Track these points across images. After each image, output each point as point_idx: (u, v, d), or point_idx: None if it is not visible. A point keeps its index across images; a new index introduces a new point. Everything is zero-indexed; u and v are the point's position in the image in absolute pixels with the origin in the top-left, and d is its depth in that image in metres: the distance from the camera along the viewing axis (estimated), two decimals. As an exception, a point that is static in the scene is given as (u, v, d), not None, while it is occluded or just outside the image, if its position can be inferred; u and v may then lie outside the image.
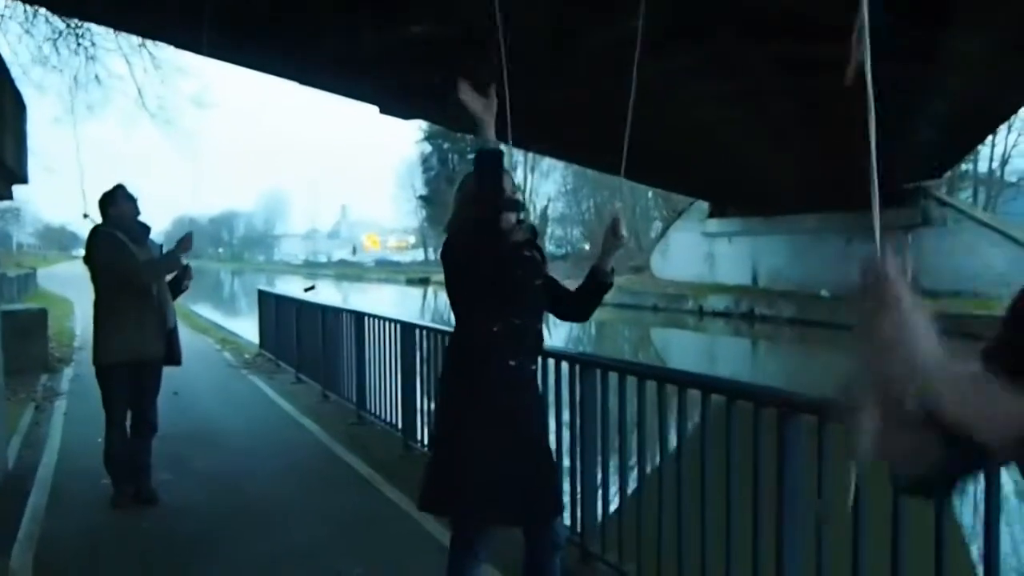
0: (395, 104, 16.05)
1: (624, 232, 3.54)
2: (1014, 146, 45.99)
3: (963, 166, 41.38)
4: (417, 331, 7.28)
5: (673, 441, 4.22)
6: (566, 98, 14.47)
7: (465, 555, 3.58)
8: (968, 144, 27.55)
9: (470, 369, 3.52)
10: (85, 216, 5.95)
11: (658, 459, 4.23)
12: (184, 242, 5.93)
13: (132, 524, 5.51)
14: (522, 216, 3.65)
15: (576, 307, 3.77)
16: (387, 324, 8.03)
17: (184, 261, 6.02)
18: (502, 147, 3.36)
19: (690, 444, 4.00)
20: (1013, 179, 46.65)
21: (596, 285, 3.67)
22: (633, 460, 4.59)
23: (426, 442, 7.09)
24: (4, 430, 7.15)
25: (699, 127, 18.57)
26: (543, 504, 3.54)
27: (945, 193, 32.89)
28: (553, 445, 4.28)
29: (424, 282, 64.78)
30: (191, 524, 5.54)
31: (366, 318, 8.61)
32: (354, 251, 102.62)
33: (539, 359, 3.82)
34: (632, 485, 4.68)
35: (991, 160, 46.55)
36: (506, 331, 3.46)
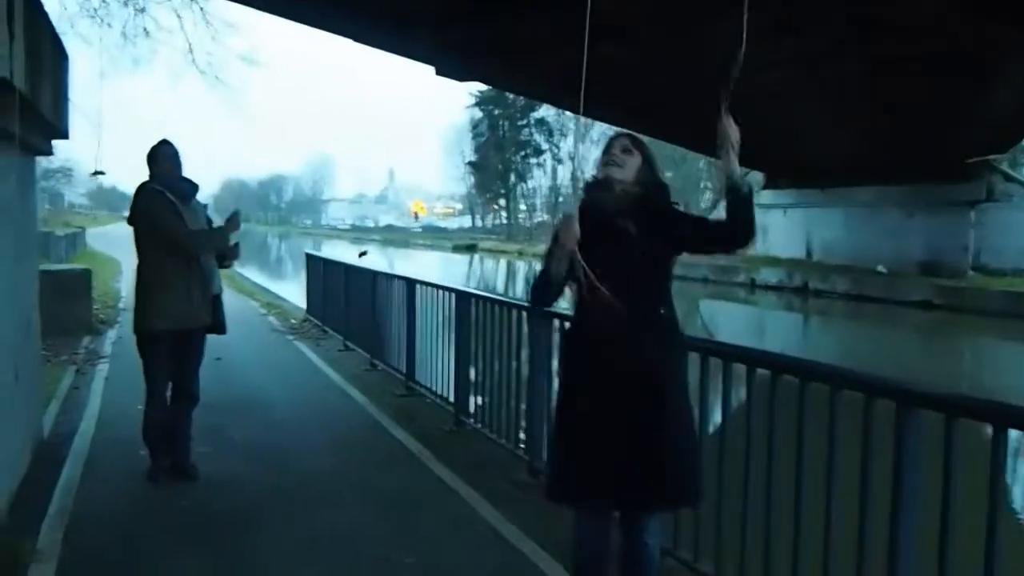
0: (452, 64, 15.60)
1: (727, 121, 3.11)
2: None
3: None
4: (472, 300, 6.88)
5: (757, 429, 3.78)
6: (624, 59, 13.92)
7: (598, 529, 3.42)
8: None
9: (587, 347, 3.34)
10: (95, 173, 5.59)
11: (742, 450, 3.79)
12: (233, 221, 5.61)
13: (168, 500, 5.19)
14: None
15: (726, 232, 3.24)
16: (441, 292, 7.65)
17: (232, 241, 5.70)
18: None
19: (783, 433, 3.56)
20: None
21: (731, 200, 3.18)
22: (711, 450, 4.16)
23: (478, 418, 6.74)
24: (41, 395, 6.89)
25: (759, 93, 17.94)
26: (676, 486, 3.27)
27: (1008, 167, 31.80)
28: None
29: (471, 248, 64.47)
30: (230, 501, 5.22)
31: (418, 285, 8.23)
32: (416, 217, 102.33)
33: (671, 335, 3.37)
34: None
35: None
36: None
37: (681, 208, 3.45)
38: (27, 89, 4.75)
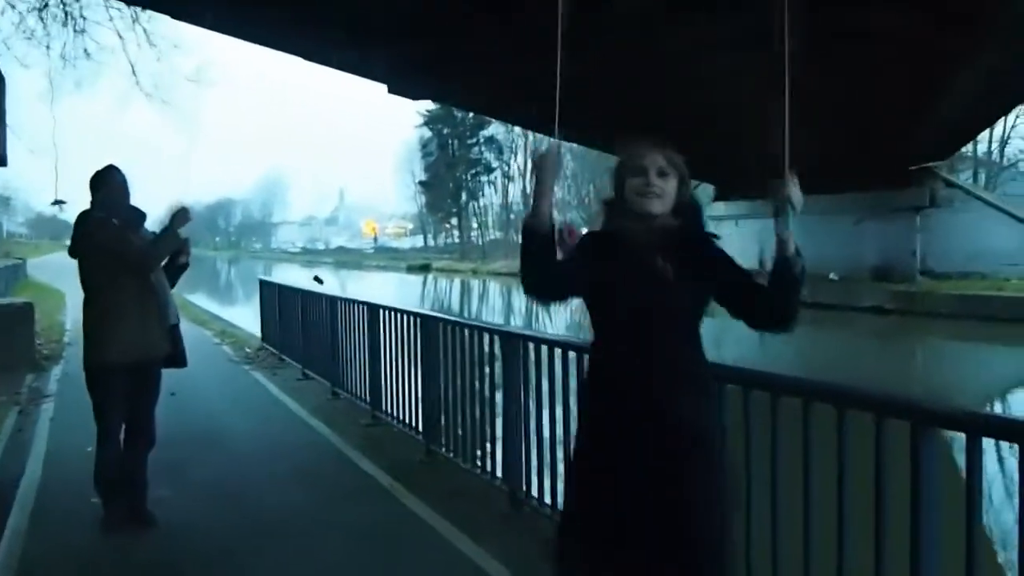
0: (405, 82, 15.37)
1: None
2: (1013, 127, 45.71)
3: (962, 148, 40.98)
4: (440, 325, 6.61)
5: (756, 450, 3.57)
6: (580, 73, 13.80)
7: None
8: (985, 122, 27.11)
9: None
10: (56, 203, 5.24)
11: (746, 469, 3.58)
12: (179, 215, 5.15)
13: (125, 550, 4.83)
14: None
15: (765, 308, 2.81)
16: (405, 317, 7.37)
17: (183, 236, 5.30)
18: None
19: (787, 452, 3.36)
20: (1012, 161, 46.32)
21: (780, 270, 2.73)
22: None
23: (449, 447, 6.46)
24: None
25: (712, 105, 17.97)
26: None
27: (946, 174, 32.40)
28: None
29: (425, 268, 64.13)
30: (192, 548, 4.88)
31: (381, 310, 7.94)
32: (375, 238, 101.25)
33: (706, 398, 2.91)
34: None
35: (990, 142, 46.21)
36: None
37: (719, 244, 2.94)
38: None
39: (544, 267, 2.75)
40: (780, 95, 2.91)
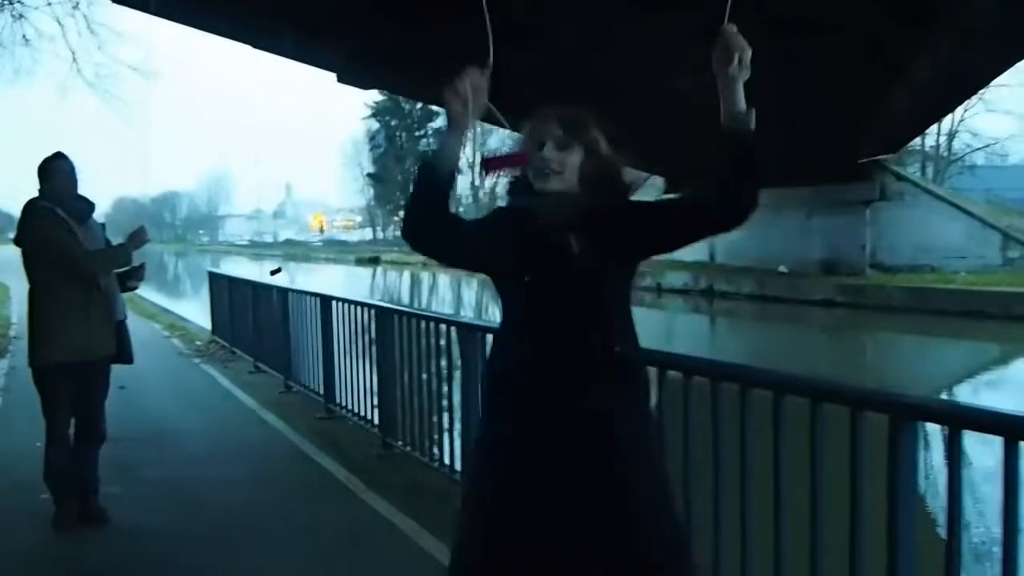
0: (355, 71, 15.19)
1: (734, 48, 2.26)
2: (961, 120, 46.41)
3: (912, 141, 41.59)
4: (395, 316, 6.54)
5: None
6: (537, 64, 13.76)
7: None
8: (936, 115, 27.42)
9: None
10: None
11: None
12: (137, 235, 5.10)
13: (77, 549, 4.73)
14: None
15: (725, 197, 2.39)
16: (358, 308, 7.30)
17: (136, 261, 5.22)
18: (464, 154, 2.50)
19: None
20: (959, 154, 47.10)
21: (731, 144, 2.34)
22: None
23: (407, 440, 6.39)
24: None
25: (658, 96, 18.00)
26: None
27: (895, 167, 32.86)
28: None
29: (374, 261, 63.65)
30: (145, 548, 4.77)
31: (334, 302, 7.86)
32: (321, 230, 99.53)
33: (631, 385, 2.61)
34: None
35: (938, 135, 46.93)
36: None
37: (634, 197, 2.65)
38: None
39: (430, 209, 2.39)
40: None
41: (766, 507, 2.94)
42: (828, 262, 28.07)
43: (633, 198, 2.65)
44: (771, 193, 28.17)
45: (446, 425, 5.86)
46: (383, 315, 6.78)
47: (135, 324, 6.02)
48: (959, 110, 43.80)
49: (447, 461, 5.83)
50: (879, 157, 27.60)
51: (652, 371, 3.00)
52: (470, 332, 5.42)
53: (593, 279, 2.48)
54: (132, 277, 5.36)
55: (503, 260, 2.53)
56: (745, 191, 2.36)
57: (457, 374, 5.59)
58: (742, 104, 2.31)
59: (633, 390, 2.58)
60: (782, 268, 28.57)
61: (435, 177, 2.38)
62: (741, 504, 3.06)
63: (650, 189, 34.94)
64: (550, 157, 2.48)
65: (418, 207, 2.40)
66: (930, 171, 46.19)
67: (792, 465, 2.88)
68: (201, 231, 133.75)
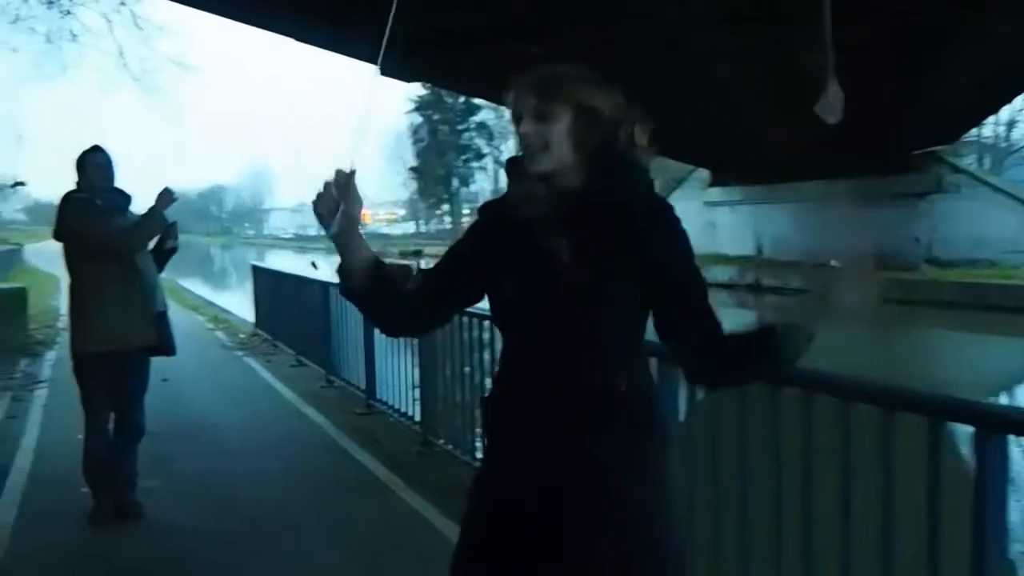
0: (398, 64, 15.10)
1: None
2: (1021, 109, 45.13)
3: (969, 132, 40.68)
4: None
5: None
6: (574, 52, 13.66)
7: None
8: (994, 104, 26.59)
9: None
10: (15, 185, 5.02)
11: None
12: (163, 197, 4.95)
13: (112, 544, 4.68)
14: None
15: (740, 351, 1.99)
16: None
17: (167, 220, 5.08)
18: None
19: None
20: (1018, 144, 45.88)
21: (775, 342, 1.91)
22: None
23: (448, 438, 6.26)
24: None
25: (705, 88, 17.72)
26: None
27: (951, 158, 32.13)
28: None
29: (417, 254, 63.68)
30: (180, 544, 4.70)
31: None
32: (365, 226, 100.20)
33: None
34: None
35: (996, 124, 45.71)
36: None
37: (673, 217, 2.03)
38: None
39: (380, 319, 2.20)
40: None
41: (834, 521, 2.78)
42: (881, 256, 27.51)
43: (669, 202, 2.08)
44: (816, 185, 27.90)
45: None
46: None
47: (178, 316, 5.99)
48: (1019, 99, 42.90)
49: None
50: (934, 148, 26.91)
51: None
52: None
53: (586, 295, 1.94)
54: (167, 237, 5.21)
55: (489, 279, 2.10)
56: (732, 381, 2.21)
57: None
58: (816, 328, 1.93)
59: (646, 441, 2.02)
60: (834, 262, 28.12)
61: (356, 291, 2.11)
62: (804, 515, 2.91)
63: (695, 183, 34.63)
64: (527, 132, 1.96)
65: (372, 318, 2.26)
66: (987, 162, 45.00)
67: (861, 480, 2.70)
68: (247, 224, 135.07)
